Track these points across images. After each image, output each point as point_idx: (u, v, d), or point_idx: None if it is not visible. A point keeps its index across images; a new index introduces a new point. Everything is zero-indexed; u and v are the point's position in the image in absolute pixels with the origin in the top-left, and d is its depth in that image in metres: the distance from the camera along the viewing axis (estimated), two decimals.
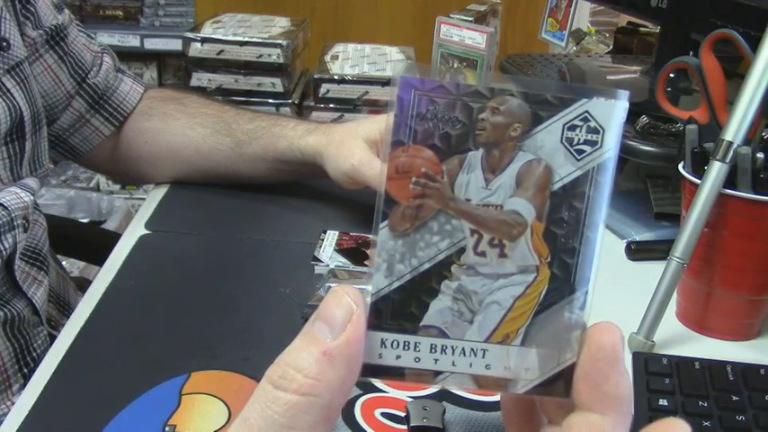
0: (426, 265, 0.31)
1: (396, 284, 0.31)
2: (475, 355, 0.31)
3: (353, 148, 0.79)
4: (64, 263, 0.99)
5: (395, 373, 0.31)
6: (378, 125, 0.81)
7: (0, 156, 0.73)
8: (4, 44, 0.73)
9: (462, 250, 0.31)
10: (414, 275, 0.31)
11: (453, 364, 0.31)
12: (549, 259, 0.31)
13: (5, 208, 0.72)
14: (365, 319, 0.30)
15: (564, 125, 0.30)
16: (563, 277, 0.31)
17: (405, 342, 0.31)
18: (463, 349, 0.31)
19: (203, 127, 0.90)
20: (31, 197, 0.76)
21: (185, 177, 0.93)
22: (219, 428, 0.52)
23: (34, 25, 0.81)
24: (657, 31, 1.10)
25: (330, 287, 0.65)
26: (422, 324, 0.31)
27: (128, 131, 0.92)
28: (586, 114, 0.30)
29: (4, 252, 0.72)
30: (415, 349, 0.31)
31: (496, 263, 0.31)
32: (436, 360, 0.31)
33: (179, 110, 0.93)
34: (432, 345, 0.31)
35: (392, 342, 0.31)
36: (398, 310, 0.31)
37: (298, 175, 0.90)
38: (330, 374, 0.28)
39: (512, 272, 0.31)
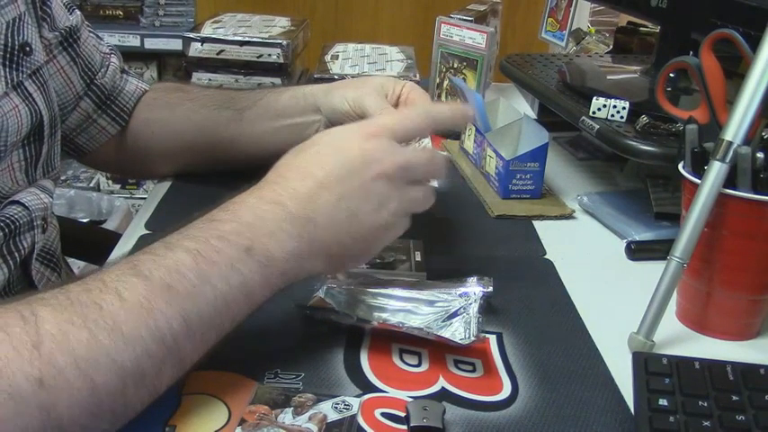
0: None
1: None
2: None
3: (363, 85, 0.83)
4: None
5: None
6: (389, 80, 0.83)
7: (17, 158, 0.72)
8: (27, 49, 0.72)
9: None
10: None
11: None
12: None
13: (26, 207, 0.72)
14: None
15: None
16: None
17: None
18: None
19: (206, 107, 0.90)
20: (50, 199, 0.76)
21: (193, 165, 0.93)
22: (219, 428, 0.52)
23: (50, 27, 0.81)
24: (657, 30, 1.10)
25: (329, 288, 0.65)
26: None
27: (134, 125, 0.92)
28: None
29: (22, 251, 0.72)
30: None
31: None
32: None
33: (182, 97, 0.93)
34: None
35: None
36: None
37: (298, 128, 0.87)
38: None
39: None
